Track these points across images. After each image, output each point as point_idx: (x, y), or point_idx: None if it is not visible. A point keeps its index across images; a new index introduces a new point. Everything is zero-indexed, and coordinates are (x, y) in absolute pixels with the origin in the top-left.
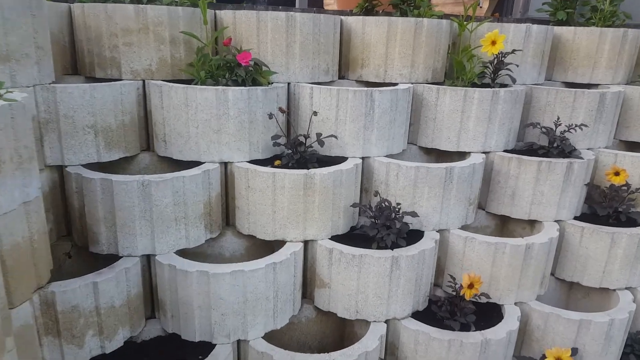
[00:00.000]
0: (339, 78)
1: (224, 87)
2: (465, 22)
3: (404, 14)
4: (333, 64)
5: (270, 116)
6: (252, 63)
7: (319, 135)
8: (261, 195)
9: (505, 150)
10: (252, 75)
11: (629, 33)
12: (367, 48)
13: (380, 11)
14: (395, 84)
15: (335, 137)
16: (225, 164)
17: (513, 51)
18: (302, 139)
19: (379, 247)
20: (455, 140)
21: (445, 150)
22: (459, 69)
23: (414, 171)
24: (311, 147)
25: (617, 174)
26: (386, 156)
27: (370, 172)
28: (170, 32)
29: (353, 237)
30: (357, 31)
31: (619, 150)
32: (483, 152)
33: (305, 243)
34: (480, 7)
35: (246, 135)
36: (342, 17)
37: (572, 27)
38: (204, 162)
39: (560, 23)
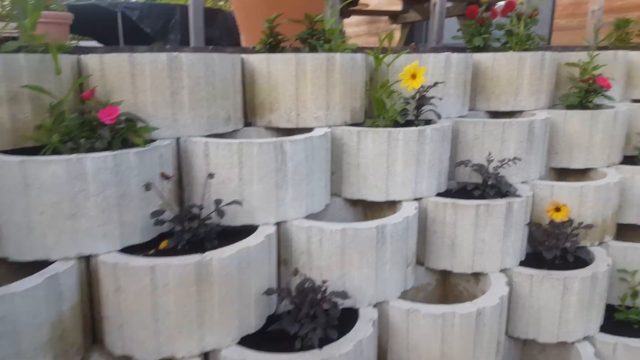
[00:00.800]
0: (246, 125)
1: (79, 156)
2: (381, 55)
3: (313, 49)
4: (235, 111)
5: (148, 187)
6: (122, 119)
7: (218, 202)
8: (137, 298)
9: (438, 194)
10: (123, 135)
11: (546, 56)
12: (274, 90)
13: (288, 46)
14: (310, 129)
15: (240, 202)
16: (87, 258)
17: (435, 84)
18: (195, 210)
19: (303, 348)
20: (383, 188)
21: (373, 201)
22: (380, 107)
23: (339, 235)
24: (209, 218)
25: (558, 209)
26: (307, 217)
27: (288, 240)
28: (8, 88)
29: (270, 335)
30: (262, 71)
31: (554, 181)
32: (415, 199)
33: (205, 356)
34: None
35: (115, 216)
36: (244, 56)
37: (491, 53)
38: (54, 261)
39: (478, 49)
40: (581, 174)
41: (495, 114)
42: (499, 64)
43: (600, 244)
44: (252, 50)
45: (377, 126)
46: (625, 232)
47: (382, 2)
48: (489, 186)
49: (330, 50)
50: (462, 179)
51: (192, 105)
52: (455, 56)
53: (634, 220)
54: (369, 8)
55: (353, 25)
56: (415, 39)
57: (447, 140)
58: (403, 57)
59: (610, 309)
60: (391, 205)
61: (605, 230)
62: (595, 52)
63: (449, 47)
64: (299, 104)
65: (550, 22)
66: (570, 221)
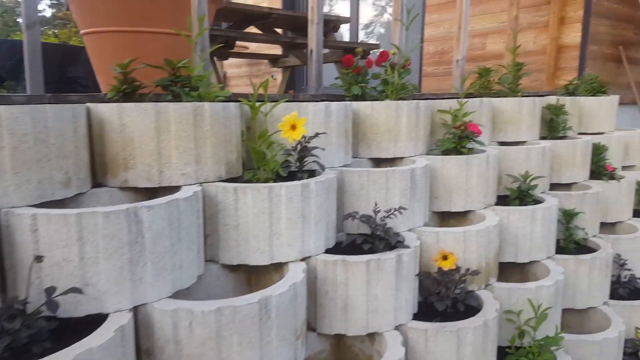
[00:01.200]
0: (95, 186)
1: None
2: (257, 104)
3: (177, 97)
4: (78, 171)
5: None
6: None
7: (50, 292)
8: None
9: (327, 251)
10: None
11: (420, 104)
12: (129, 144)
13: (148, 94)
14: (177, 188)
15: (80, 290)
16: None
17: (317, 134)
18: (18, 305)
19: None
20: (267, 250)
21: (257, 265)
22: (259, 159)
23: (214, 316)
24: (38, 313)
25: (445, 258)
26: (174, 295)
27: (149, 327)
28: None
29: None
30: (113, 122)
31: (439, 227)
32: (303, 259)
33: None
34: (275, 79)
35: None
36: (91, 105)
37: (369, 102)
38: None
39: (356, 98)
40: (461, 216)
41: (378, 161)
42: (377, 112)
43: (486, 286)
44: (103, 98)
45: (258, 180)
46: (503, 270)
47: (262, 45)
48: (377, 238)
49: (198, 98)
50: (351, 230)
51: (16, 169)
52: (334, 105)
53: (511, 258)
54: (248, 51)
55: (234, 67)
56: (297, 82)
57: (332, 193)
58: (282, 105)
59: (500, 352)
60: (277, 267)
61: (489, 272)
62: (464, 100)
63: (329, 95)
64: (162, 159)
65: (419, 70)
66: (457, 268)
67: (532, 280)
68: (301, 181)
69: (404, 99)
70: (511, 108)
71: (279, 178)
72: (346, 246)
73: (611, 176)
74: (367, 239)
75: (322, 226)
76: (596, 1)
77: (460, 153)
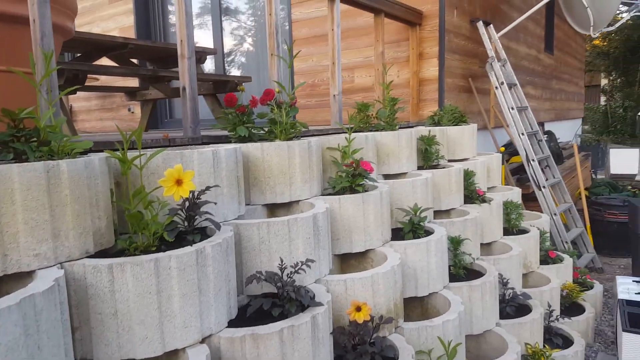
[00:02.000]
0: None
1: None
2: (130, 156)
3: (21, 156)
4: None
5: None
6: None
7: None
8: None
9: (230, 323)
10: None
11: (312, 143)
12: None
13: None
14: (30, 273)
15: None
16: None
17: (207, 188)
18: None
19: None
20: (157, 337)
21: (146, 359)
22: (136, 223)
23: None
24: None
25: (358, 309)
26: None
27: None
28: None
29: None
30: None
31: (345, 274)
32: (202, 341)
33: None
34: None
35: None
36: None
37: (259, 144)
38: None
39: (243, 139)
40: (361, 256)
41: (273, 207)
42: (269, 154)
43: (396, 329)
44: None
45: (136, 248)
46: (405, 306)
47: (116, 77)
48: (287, 299)
49: (50, 154)
50: (253, 291)
51: None
52: (223, 151)
53: (412, 293)
54: (99, 83)
55: (82, 100)
56: (159, 115)
57: (231, 254)
58: (160, 156)
59: None
60: (172, 356)
61: (397, 314)
62: (352, 136)
63: (209, 137)
64: (5, 238)
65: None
66: (372, 318)
67: (432, 312)
68: (194, 247)
69: (294, 139)
70: (391, 141)
71: (163, 243)
72: (253, 316)
73: (482, 199)
74: (275, 301)
75: (224, 296)
76: (448, 38)
77: (354, 191)
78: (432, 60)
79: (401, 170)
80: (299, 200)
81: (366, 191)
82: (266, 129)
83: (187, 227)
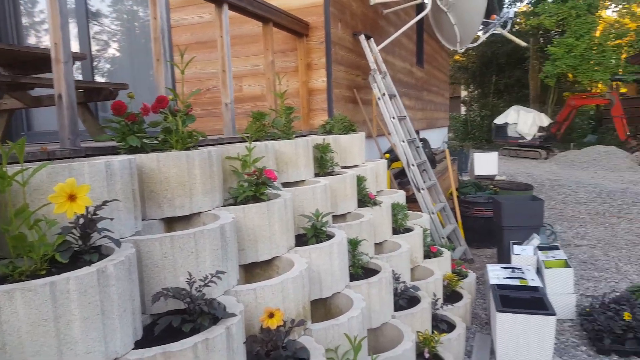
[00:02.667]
0: None
1: None
2: (9, 172)
3: None
4: None
5: None
6: None
7: None
8: None
9: (137, 344)
10: None
11: (212, 153)
12: None
13: None
14: None
15: None
16: None
17: (105, 203)
18: None
19: None
20: None
21: None
22: (19, 246)
23: None
24: None
25: (271, 315)
26: None
27: None
28: None
29: None
30: None
31: (256, 283)
32: None
33: None
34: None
35: None
36: None
37: (154, 154)
38: None
39: (134, 150)
40: (266, 264)
41: (171, 221)
42: (165, 165)
43: (305, 330)
44: None
45: (21, 273)
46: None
47: None
48: (200, 313)
49: None
50: (158, 309)
51: None
52: (117, 163)
53: (317, 295)
54: None
55: None
56: (13, 128)
57: (134, 272)
58: (45, 171)
59: None
60: None
61: (306, 316)
62: (253, 145)
63: (89, 147)
64: None
65: None
66: (284, 323)
67: (335, 312)
68: (95, 266)
69: (191, 148)
70: (289, 150)
71: (54, 266)
72: (160, 332)
73: (374, 203)
74: (184, 317)
75: (129, 316)
76: (334, 50)
77: (258, 200)
78: (320, 70)
79: (300, 178)
80: (200, 212)
81: (270, 199)
82: (160, 139)
83: (82, 247)
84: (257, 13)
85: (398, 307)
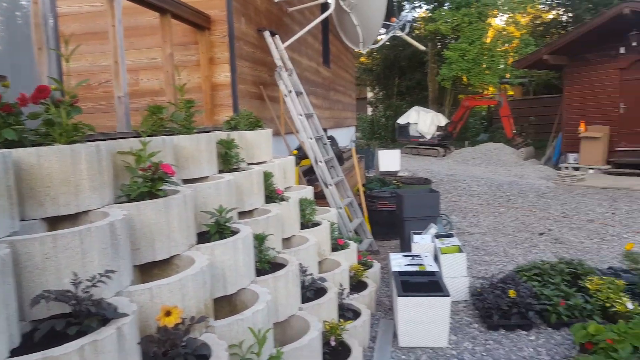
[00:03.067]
0: None
1: None
2: None
3: None
4: None
5: None
6: None
7: None
8: None
9: (14, 352)
10: None
11: (102, 147)
12: None
13: None
14: None
15: None
16: None
17: None
18: None
19: None
20: None
21: None
22: None
23: None
24: None
25: (168, 313)
26: None
27: None
28: None
29: None
30: None
31: (152, 282)
32: None
33: None
34: None
35: None
36: None
37: (34, 149)
38: None
39: (10, 144)
40: (165, 264)
41: (55, 220)
42: (47, 160)
43: (207, 328)
44: None
45: None
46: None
47: None
48: (87, 315)
49: None
50: (41, 315)
51: None
52: None
53: (221, 292)
54: None
55: None
56: None
57: (9, 275)
58: None
59: None
60: None
61: (208, 313)
62: (148, 139)
63: None
64: None
65: None
66: (183, 321)
67: (241, 308)
68: None
69: (78, 142)
70: (190, 145)
71: None
72: (42, 337)
73: (282, 198)
74: (70, 320)
75: (2, 323)
76: (238, 45)
77: (155, 196)
78: (224, 65)
79: (202, 174)
80: (89, 211)
81: (168, 196)
82: (41, 132)
83: None
84: (153, 3)
85: (306, 299)
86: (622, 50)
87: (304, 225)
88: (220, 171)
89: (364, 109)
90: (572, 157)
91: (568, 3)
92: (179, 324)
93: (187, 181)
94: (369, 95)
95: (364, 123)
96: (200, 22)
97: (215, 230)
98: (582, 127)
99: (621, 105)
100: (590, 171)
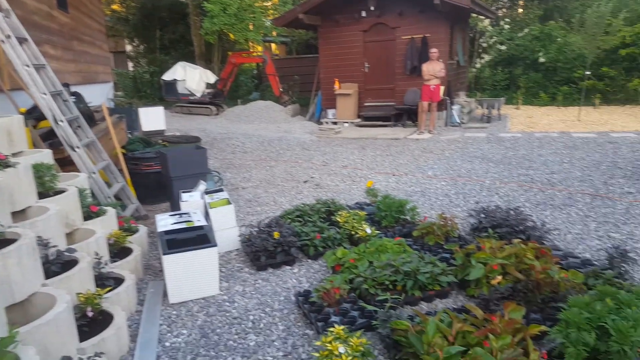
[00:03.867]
0: None
1: None
2: None
3: None
4: None
5: None
6: None
7: None
8: None
9: None
10: None
11: None
12: None
13: None
14: None
15: None
16: None
17: None
18: None
19: None
20: None
21: None
22: None
23: None
24: None
25: None
26: None
27: None
28: None
29: None
30: None
31: None
32: None
33: None
34: None
35: None
36: None
37: None
38: None
39: None
40: None
41: None
42: None
43: None
44: None
45: None
46: None
47: None
48: None
49: None
50: None
51: None
52: None
53: None
54: None
55: None
56: None
57: None
58: None
59: None
60: None
61: None
62: None
63: None
64: None
65: None
66: None
67: None
68: None
69: None
70: None
71: None
72: None
73: (6, 164)
74: None
75: None
76: None
77: None
78: None
79: None
80: None
81: None
82: None
83: None
84: None
85: (52, 274)
86: (363, 13)
87: (44, 195)
88: None
89: (124, 64)
90: (330, 113)
91: None
92: None
93: None
94: (128, 48)
95: (126, 80)
96: None
97: None
98: (336, 85)
99: (365, 64)
100: (345, 124)
